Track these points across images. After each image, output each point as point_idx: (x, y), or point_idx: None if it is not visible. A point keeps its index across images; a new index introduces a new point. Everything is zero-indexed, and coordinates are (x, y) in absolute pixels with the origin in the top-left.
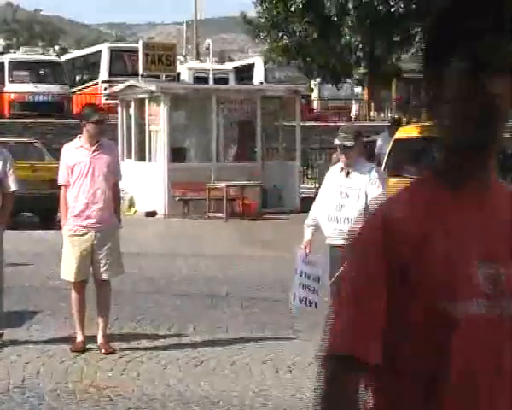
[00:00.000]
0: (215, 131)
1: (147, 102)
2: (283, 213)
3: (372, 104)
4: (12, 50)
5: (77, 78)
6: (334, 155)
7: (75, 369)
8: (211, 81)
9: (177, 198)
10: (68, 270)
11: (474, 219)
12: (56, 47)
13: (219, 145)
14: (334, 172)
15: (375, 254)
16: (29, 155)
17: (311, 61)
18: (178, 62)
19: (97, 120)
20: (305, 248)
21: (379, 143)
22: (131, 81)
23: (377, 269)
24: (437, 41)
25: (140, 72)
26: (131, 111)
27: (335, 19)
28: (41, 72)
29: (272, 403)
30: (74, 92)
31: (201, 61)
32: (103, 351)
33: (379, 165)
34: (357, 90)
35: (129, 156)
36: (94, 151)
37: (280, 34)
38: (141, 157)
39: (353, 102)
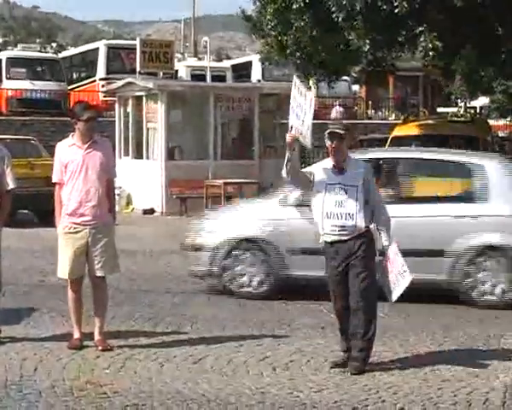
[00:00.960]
0: (212, 129)
1: (144, 99)
2: None
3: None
4: (9, 47)
5: (74, 75)
6: None
7: (72, 366)
8: (208, 79)
9: (174, 196)
10: (63, 268)
11: None
12: (54, 44)
13: (217, 143)
14: (326, 170)
15: None
16: (26, 153)
17: (308, 59)
18: (176, 60)
19: (88, 117)
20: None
21: None
22: (129, 78)
23: None
24: None
25: (137, 69)
26: (129, 109)
27: (341, 21)
28: (38, 69)
29: (269, 401)
30: (72, 89)
31: (199, 58)
32: (100, 348)
33: None
34: (355, 87)
35: (126, 154)
36: (87, 149)
37: (279, 30)
38: (138, 155)
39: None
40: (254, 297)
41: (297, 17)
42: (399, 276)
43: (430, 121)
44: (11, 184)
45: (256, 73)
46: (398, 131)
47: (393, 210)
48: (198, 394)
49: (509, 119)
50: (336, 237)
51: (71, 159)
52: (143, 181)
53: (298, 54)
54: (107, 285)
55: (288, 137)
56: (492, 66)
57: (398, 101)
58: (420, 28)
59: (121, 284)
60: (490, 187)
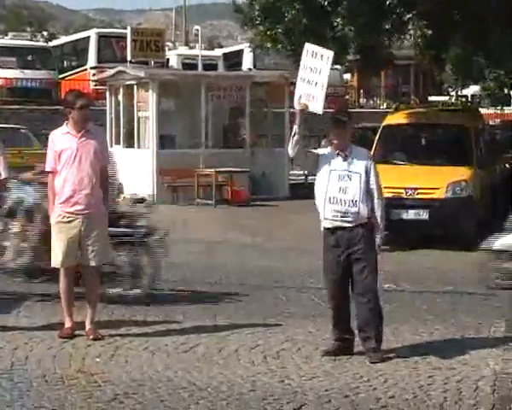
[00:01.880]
0: (204, 118)
1: (135, 88)
2: (272, 200)
3: (361, 91)
4: (0, 36)
5: (65, 63)
6: (323, 142)
7: (63, 355)
8: (200, 67)
9: (165, 185)
10: (56, 256)
11: None
12: (45, 33)
13: (208, 132)
14: (330, 156)
15: None
16: (17, 141)
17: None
18: (167, 49)
19: (81, 105)
20: None
21: None
22: (120, 67)
23: None
24: None
25: (128, 58)
26: (120, 97)
27: (326, 6)
28: (29, 58)
29: (260, 389)
30: (63, 78)
31: (190, 47)
32: (91, 337)
33: None
34: (347, 76)
35: (117, 143)
36: (81, 137)
37: (269, 23)
38: (129, 143)
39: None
40: None
41: (288, 7)
42: None
43: (422, 110)
44: (4, 174)
45: (247, 62)
46: (390, 120)
47: None
48: (189, 382)
49: (499, 107)
50: (338, 224)
51: (65, 147)
52: (134, 170)
53: (289, 47)
54: (99, 275)
55: (297, 105)
56: (482, 53)
57: (390, 89)
58: (408, 15)
59: None
60: None
